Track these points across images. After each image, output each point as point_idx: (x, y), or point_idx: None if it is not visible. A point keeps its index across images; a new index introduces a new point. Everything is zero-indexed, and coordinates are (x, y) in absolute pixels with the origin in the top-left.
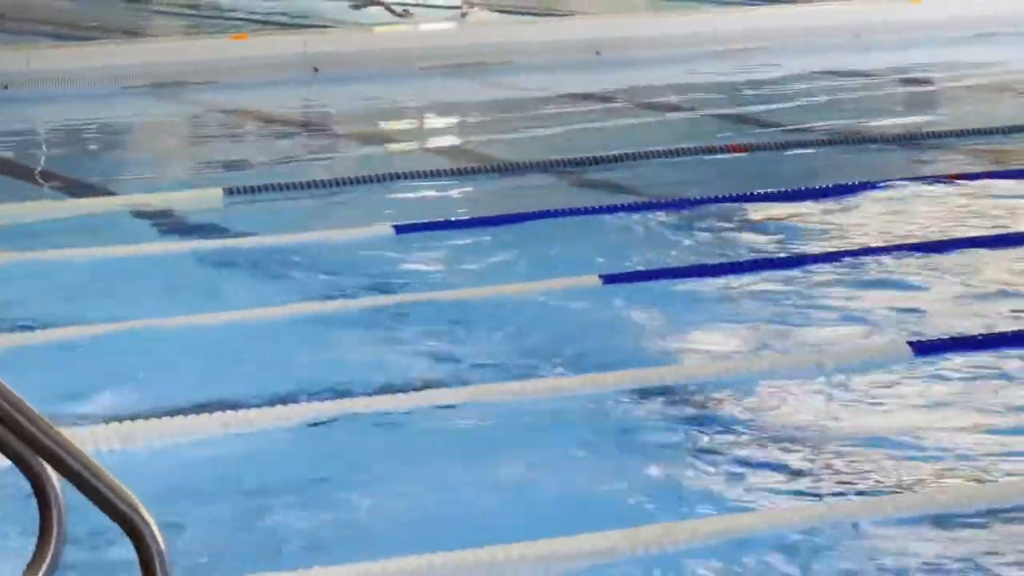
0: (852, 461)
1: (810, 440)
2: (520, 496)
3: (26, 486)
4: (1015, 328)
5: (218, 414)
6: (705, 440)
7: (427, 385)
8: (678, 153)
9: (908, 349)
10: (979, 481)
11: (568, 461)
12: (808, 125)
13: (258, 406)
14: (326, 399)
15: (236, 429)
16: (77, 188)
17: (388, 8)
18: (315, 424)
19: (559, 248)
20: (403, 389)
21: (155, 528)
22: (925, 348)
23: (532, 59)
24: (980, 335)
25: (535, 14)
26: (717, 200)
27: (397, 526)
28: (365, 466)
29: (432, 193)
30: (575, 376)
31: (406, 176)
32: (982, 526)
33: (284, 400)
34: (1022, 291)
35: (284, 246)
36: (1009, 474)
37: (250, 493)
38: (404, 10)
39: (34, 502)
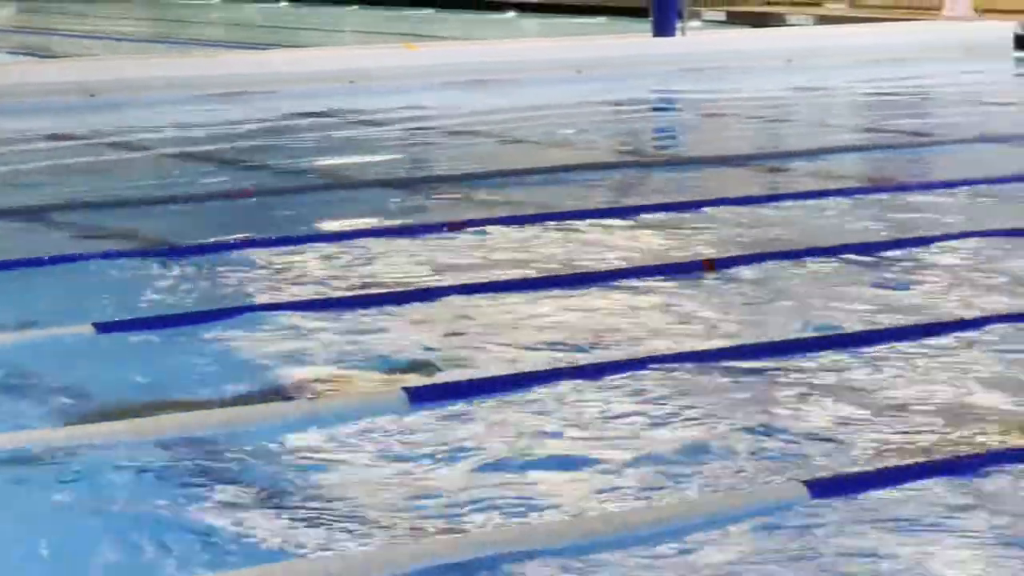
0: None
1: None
2: None
3: None
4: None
5: None
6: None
7: None
8: (170, 200)
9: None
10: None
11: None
12: (300, 167)
13: None
14: None
15: None
16: None
17: None
18: None
19: (47, 297)
20: None
21: None
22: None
23: (18, 101)
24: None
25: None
26: (215, 247)
27: None
28: None
29: None
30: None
31: None
32: None
33: None
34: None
35: None
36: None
37: None
38: None
39: None
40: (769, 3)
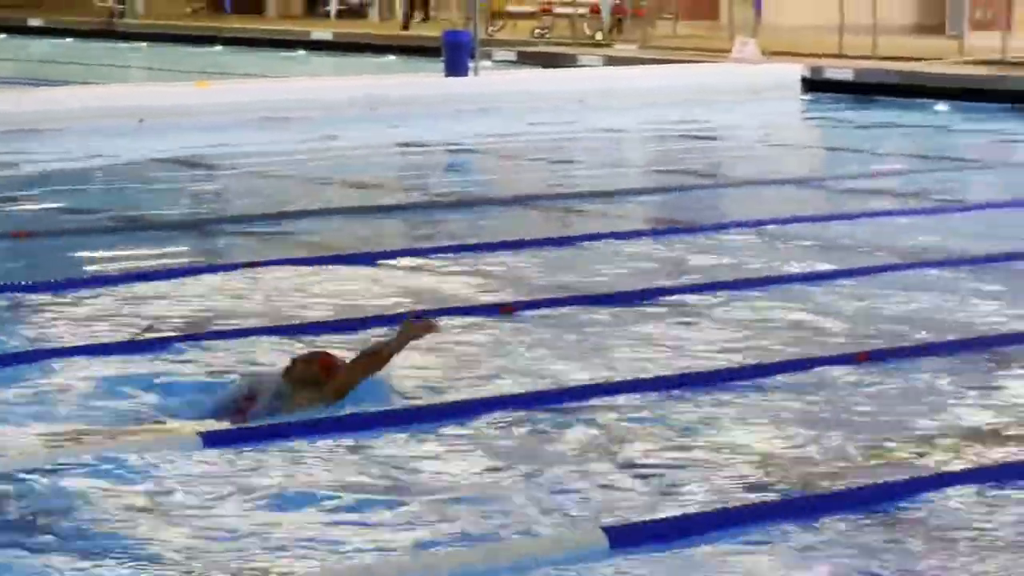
0: None
1: None
2: None
3: None
4: None
5: None
6: None
7: None
8: None
9: None
10: None
11: None
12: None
13: None
14: None
15: None
16: None
17: None
18: None
19: None
20: None
21: None
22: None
23: None
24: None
25: None
26: None
27: None
28: None
29: None
30: None
31: None
32: None
33: None
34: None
35: None
36: None
37: None
38: None
39: None
40: (559, 44)
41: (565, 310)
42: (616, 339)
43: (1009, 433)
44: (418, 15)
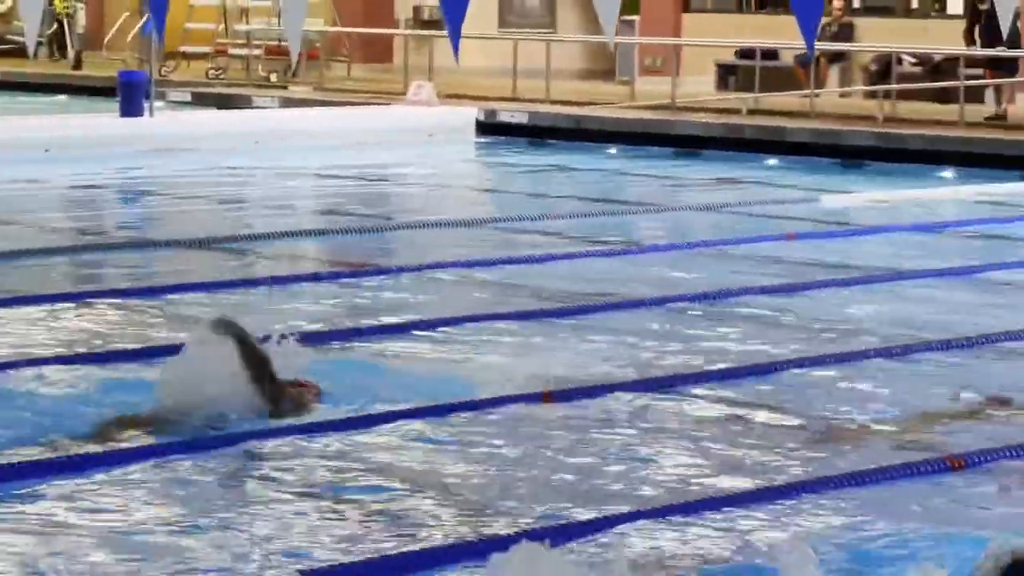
0: None
1: None
2: None
3: None
4: None
5: None
6: None
7: None
8: None
9: None
10: None
11: None
12: None
13: None
14: None
15: None
16: None
17: None
18: None
19: None
20: None
21: None
22: None
23: None
24: None
25: None
26: None
27: None
28: None
29: None
30: None
31: None
32: None
33: None
34: None
35: None
36: None
37: None
38: None
39: None
40: (233, 85)
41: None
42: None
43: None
44: (66, 53)
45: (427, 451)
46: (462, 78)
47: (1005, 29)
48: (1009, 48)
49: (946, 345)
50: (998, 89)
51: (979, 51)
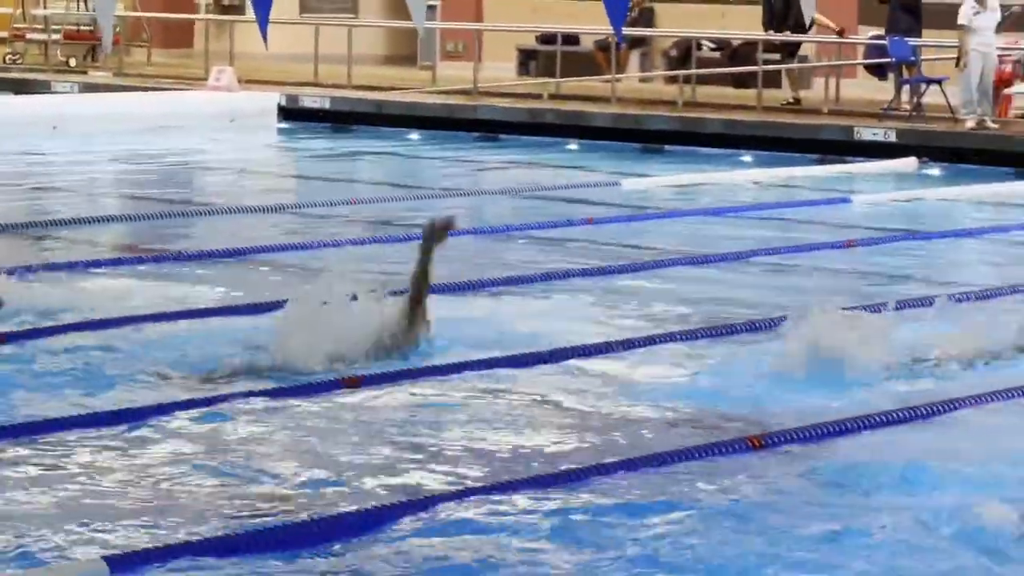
0: None
1: None
2: None
3: None
4: None
5: None
6: None
7: None
8: None
9: None
10: None
11: None
12: None
13: None
14: None
15: None
16: None
17: None
18: None
19: None
20: None
21: None
22: None
23: None
24: None
25: None
26: None
27: None
28: None
29: None
30: None
31: None
32: None
33: None
34: None
35: None
36: None
37: None
38: None
39: None
40: (32, 70)
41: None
42: (117, 367)
43: None
44: None
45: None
46: (264, 63)
47: (808, 17)
48: (798, 33)
49: (751, 327)
50: (792, 75)
51: (776, 36)
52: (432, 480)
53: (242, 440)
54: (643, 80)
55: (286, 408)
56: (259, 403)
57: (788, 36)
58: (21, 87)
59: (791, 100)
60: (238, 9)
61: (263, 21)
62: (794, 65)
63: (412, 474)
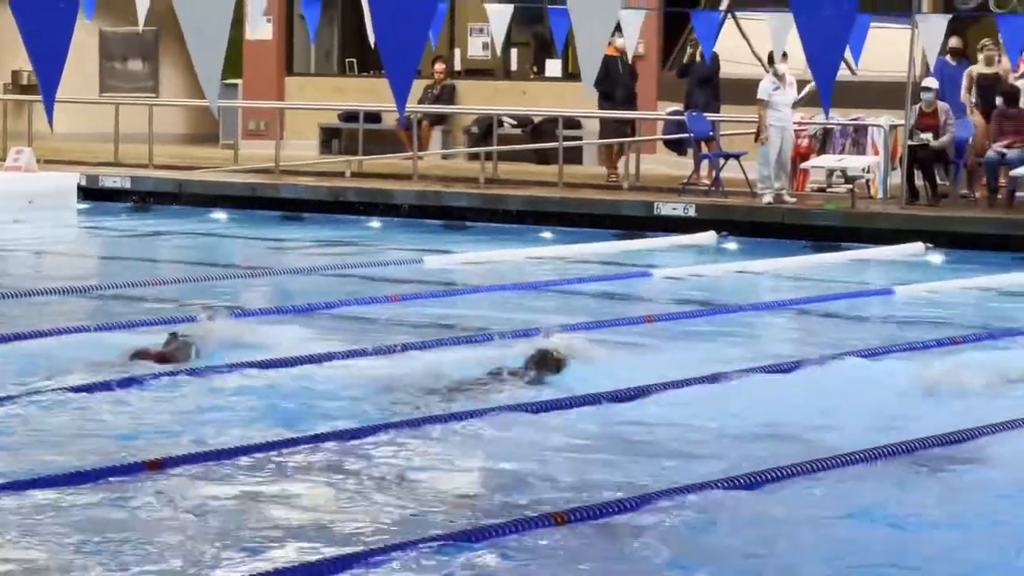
0: None
1: None
2: None
3: None
4: None
5: None
6: None
7: None
8: None
9: None
10: None
11: None
12: None
13: None
14: None
15: None
16: None
17: None
18: None
19: None
20: None
21: None
22: None
23: None
24: None
25: None
26: None
27: None
28: None
29: None
30: None
31: None
32: None
33: None
34: None
35: None
36: None
37: None
38: None
39: None
40: None
41: None
42: None
43: None
44: None
45: None
46: (63, 144)
47: (588, 81)
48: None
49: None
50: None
51: (577, 112)
52: None
53: None
54: (445, 157)
55: None
56: None
57: (606, 113)
58: None
59: (611, 178)
60: (36, 89)
61: (49, 102)
62: (595, 141)
63: None
